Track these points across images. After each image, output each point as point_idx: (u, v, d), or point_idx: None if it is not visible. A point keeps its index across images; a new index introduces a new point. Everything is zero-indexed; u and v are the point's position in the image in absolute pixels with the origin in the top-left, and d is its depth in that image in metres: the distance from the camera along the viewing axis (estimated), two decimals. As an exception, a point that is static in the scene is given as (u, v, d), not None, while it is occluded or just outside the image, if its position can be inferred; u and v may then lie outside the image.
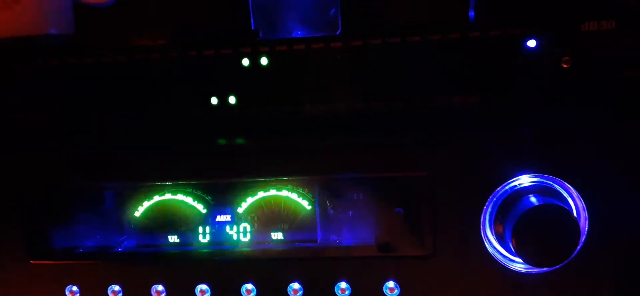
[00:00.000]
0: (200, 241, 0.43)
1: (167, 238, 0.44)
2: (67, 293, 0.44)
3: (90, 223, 0.45)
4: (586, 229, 0.39)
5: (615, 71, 0.41)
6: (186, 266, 0.43)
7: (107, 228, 0.45)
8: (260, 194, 0.42)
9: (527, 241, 0.37)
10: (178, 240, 0.44)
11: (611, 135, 0.39)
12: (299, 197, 0.42)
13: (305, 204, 0.42)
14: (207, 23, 0.55)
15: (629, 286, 0.40)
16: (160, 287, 0.43)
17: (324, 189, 0.42)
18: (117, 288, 0.44)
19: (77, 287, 0.44)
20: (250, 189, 0.42)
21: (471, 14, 0.46)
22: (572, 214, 0.37)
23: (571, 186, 0.39)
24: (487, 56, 0.42)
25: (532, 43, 0.41)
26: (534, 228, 0.37)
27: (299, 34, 0.54)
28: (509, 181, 0.40)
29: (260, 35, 0.48)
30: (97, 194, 0.44)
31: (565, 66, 0.41)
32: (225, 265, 0.43)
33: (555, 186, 0.40)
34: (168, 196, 0.43)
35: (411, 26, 0.43)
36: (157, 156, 0.42)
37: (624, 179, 0.39)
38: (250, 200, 0.42)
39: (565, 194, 0.39)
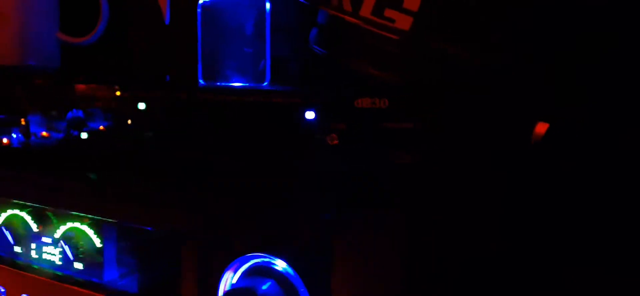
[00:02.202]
0: (31, 256, 0.49)
1: (13, 248, 0.50)
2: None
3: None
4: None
5: (383, 151, 0.35)
6: (18, 275, 0.49)
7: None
8: (69, 224, 0.46)
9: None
10: (20, 250, 0.50)
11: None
12: (94, 234, 0.45)
13: (97, 242, 0.44)
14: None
15: None
16: (1, 288, 0.50)
17: (112, 233, 0.44)
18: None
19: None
20: (63, 218, 0.46)
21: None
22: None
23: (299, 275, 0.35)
24: (270, 121, 0.39)
25: (310, 114, 0.38)
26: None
27: (236, 81, 0.58)
28: (250, 255, 0.37)
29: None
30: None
31: (333, 142, 0.37)
32: (42, 282, 0.47)
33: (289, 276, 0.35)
34: (17, 211, 0.49)
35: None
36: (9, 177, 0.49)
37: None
38: (62, 228, 0.46)
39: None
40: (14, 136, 0.56)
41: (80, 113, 0.53)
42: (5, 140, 0.55)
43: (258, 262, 0.37)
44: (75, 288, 0.45)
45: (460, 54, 0.32)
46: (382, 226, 0.32)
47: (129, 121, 0.48)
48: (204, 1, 0.57)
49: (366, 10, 0.35)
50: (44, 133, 0.55)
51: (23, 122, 0.56)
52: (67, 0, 0.70)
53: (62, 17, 0.70)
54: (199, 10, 0.57)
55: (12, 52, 0.66)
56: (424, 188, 0.32)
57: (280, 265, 0.36)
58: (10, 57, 0.66)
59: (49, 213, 0.48)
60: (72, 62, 0.73)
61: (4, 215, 0.50)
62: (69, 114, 0.54)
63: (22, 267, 0.49)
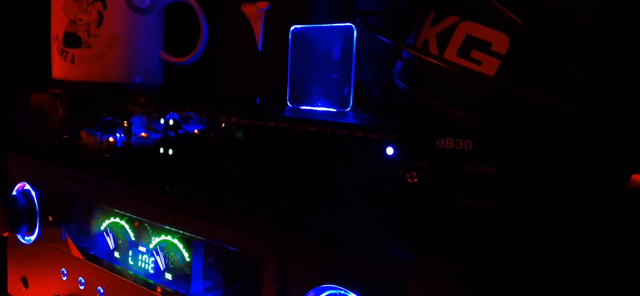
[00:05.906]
0: (128, 261, 0.53)
1: (113, 253, 0.55)
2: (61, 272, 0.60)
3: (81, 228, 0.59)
4: None
5: (464, 197, 0.34)
6: (115, 278, 0.53)
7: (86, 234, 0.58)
8: (162, 236, 0.49)
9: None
10: (118, 256, 0.54)
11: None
12: (184, 248, 0.48)
13: (186, 256, 0.47)
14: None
15: None
16: (101, 289, 0.55)
17: (200, 248, 0.47)
18: (82, 279, 0.57)
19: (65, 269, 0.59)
20: (158, 230, 0.50)
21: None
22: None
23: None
24: (351, 154, 0.40)
25: (390, 150, 0.38)
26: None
27: (321, 105, 0.61)
28: (327, 286, 0.38)
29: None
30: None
31: (412, 181, 0.37)
32: (136, 288, 0.51)
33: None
34: (117, 220, 0.54)
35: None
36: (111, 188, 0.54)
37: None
38: (156, 239, 0.50)
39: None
40: (118, 135, 0.61)
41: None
42: (111, 139, 0.60)
43: (333, 293, 0.38)
44: (165, 297, 0.49)
45: (547, 100, 0.31)
46: (458, 273, 0.31)
47: (223, 146, 0.51)
48: (295, 28, 0.60)
49: (451, 52, 0.35)
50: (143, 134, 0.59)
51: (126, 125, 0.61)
52: (171, 22, 0.75)
53: (166, 38, 0.75)
54: (290, 36, 0.59)
55: (121, 71, 0.72)
56: (506, 237, 0.31)
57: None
58: (120, 76, 0.72)
59: (146, 224, 0.52)
60: (173, 80, 0.78)
61: (107, 222, 0.55)
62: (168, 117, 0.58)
63: (119, 271, 0.53)
